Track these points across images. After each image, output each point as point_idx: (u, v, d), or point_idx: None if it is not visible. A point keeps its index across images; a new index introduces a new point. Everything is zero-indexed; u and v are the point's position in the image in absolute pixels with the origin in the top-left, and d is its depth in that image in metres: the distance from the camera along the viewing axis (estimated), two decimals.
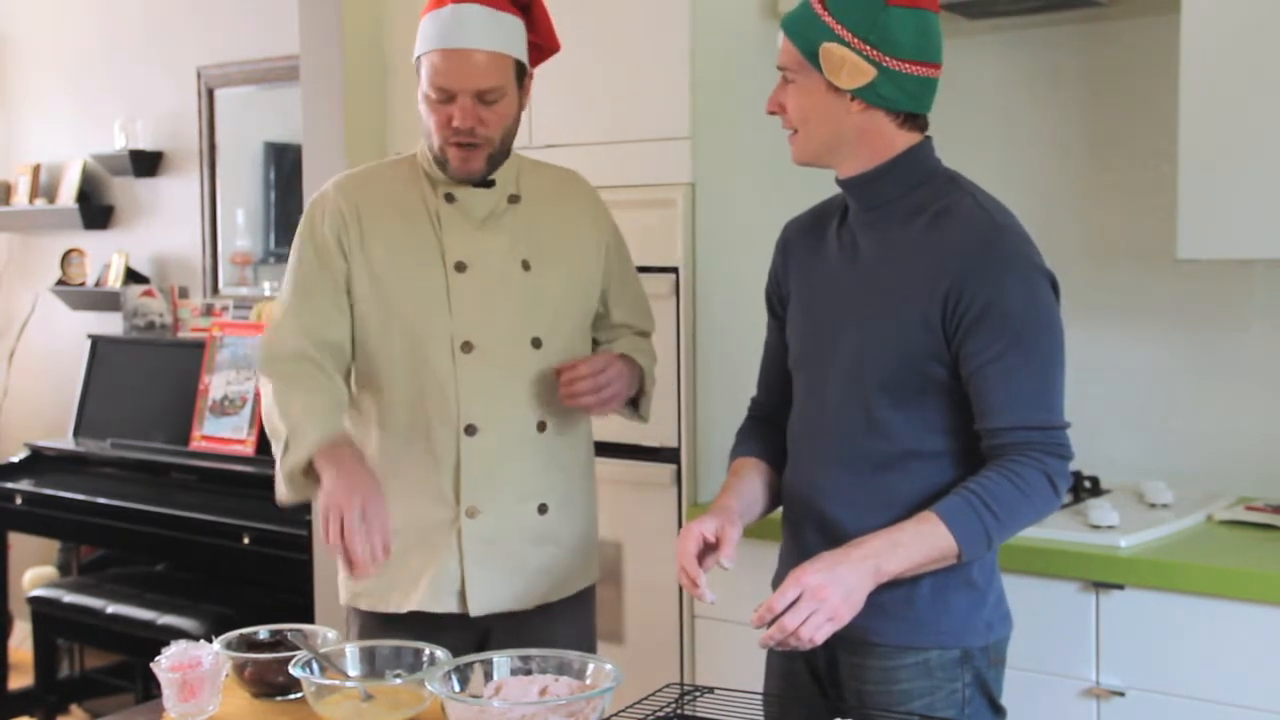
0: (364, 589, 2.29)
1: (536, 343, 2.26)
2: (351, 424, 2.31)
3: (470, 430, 2.22)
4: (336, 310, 2.25)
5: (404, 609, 2.25)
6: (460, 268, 2.23)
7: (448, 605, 2.24)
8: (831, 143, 1.96)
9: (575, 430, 2.35)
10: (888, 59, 1.89)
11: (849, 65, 1.88)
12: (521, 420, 2.26)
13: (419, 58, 2.21)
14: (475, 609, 2.24)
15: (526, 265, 2.27)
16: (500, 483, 2.24)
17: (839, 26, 1.89)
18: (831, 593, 1.77)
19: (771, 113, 2.01)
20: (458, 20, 2.15)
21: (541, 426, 2.27)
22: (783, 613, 1.77)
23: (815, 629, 1.76)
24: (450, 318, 2.22)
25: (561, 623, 2.32)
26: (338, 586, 2.36)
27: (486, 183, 2.27)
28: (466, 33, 2.15)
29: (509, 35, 2.20)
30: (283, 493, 2.21)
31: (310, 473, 2.13)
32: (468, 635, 2.26)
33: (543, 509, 2.28)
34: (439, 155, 2.22)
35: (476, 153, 2.20)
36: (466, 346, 2.22)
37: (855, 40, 1.88)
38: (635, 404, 2.40)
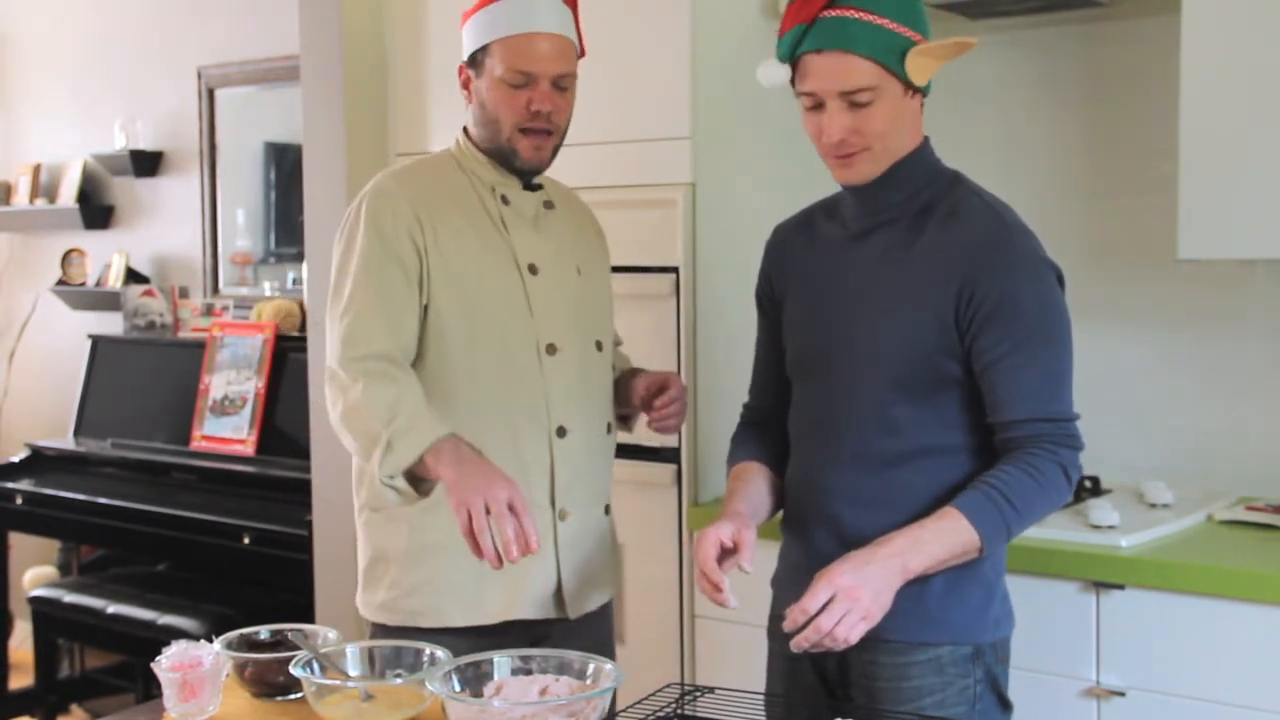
0: (424, 606, 2.18)
1: (599, 345, 2.29)
2: None
3: (561, 432, 2.21)
4: (411, 310, 2.15)
5: (494, 620, 2.17)
6: (533, 270, 2.22)
7: (548, 610, 2.21)
8: (901, 148, 1.97)
9: (616, 433, 2.38)
10: (928, 41, 1.95)
11: (927, 63, 1.92)
12: (598, 421, 2.28)
13: (485, 46, 2.18)
14: (574, 611, 2.23)
15: (579, 270, 2.29)
16: (584, 484, 2.25)
17: (907, 29, 1.91)
18: (864, 593, 1.78)
19: (842, 142, 1.94)
20: (531, 6, 2.16)
21: (610, 428, 2.31)
22: (816, 615, 1.78)
23: (850, 629, 1.78)
24: (532, 320, 2.20)
25: (597, 624, 2.32)
26: (376, 608, 2.25)
27: (533, 186, 2.28)
28: (545, 17, 2.17)
29: (571, 26, 2.23)
30: (381, 498, 2.09)
31: (412, 476, 2.02)
32: (521, 640, 2.17)
33: (607, 510, 2.32)
34: (505, 146, 2.21)
35: (548, 141, 2.21)
36: (550, 349, 2.21)
37: (921, 38, 1.93)
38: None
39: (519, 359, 2.19)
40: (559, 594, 2.22)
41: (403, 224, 2.16)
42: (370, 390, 2.05)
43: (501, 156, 2.23)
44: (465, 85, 2.25)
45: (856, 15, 1.90)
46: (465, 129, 2.30)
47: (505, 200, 2.24)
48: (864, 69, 1.90)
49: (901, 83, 1.92)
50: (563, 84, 2.19)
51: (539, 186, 2.28)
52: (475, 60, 2.21)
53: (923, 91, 1.97)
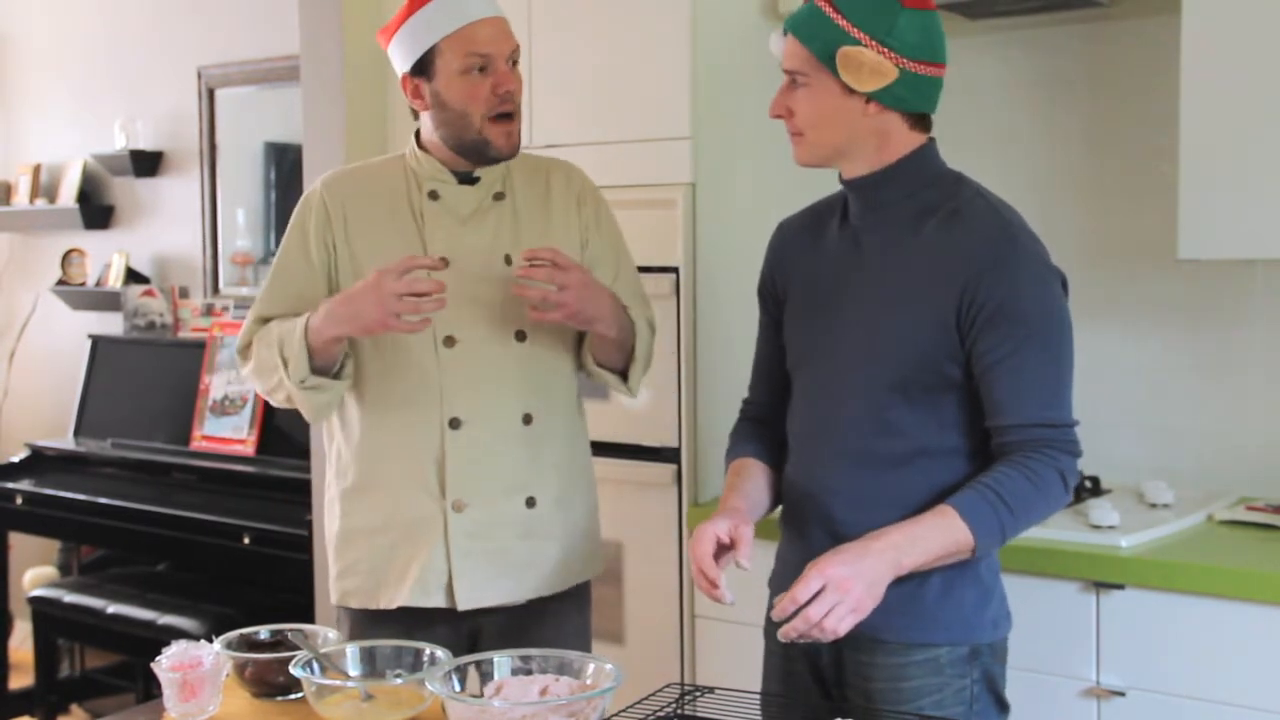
0: (354, 587, 2.31)
1: (521, 336, 2.28)
2: (335, 417, 2.35)
3: (454, 423, 2.24)
4: (313, 299, 2.26)
5: (393, 605, 2.26)
6: (444, 262, 2.24)
7: (435, 600, 2.25)
8: (842, 145, 1.96)
9: (566, 424, 2.36)
10: (905, 61, 1.90)
11: (868, 68, 1.89)
12: (506, 412, 2.27)
13: (435, 46, 2.22)
14: (463, 603, 2.25)
15: (509, 260, 2.28)
16: (486, 476, 2.26)
17: (855, 29, 1.89)
18: (855, 585, 1.78)
19: (776, 116, 2.00)
20: None
21: (528, 419, 2.29)
22: (805, 604, 1.77)
23: (839, 621, 1.77)
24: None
25: (554, 621, 2.32)
26: (330, 589, 2.38)
27: (471, 179, 2.30)
28: (479, 6, 2.24)
29: (499, 6, 2.30)
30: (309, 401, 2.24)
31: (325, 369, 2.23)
32: (458, 631, 2.28)
33: (530, 502, 2.29)
34: (477, 138, 2.24)
35: (515, 125, 2.26)
36: (449, 341, 2.25)
37: (873, 43, 1.89)
38: (625, 374, 2.38)
39: (414, 350, 2.25)
40: (450, 585, 2.25)
41: (316, 223, 2.30)
42: (260, 338, 2.27)
43: (474, 150, 2.26)
44: (415, 94, 2.28)
45: (822, 5, 1.92)
46: (417, 134, 2.34)
47: (435, 195, 2.28)
48: (795, 53, 1.94)
49: (837, 80, 1.91)
50: (513, 58, 2.26)
51: (477, 179, 2.30)
52: (423, 66, 2.24)
53: (880, 100, 1.91)
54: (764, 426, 2.16)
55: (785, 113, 1.98)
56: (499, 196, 2.32)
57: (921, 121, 1.98)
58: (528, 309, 2.21)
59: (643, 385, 2.41)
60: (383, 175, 2.35)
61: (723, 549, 1.94)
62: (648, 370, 2.41)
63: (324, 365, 2.21)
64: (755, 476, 2.10)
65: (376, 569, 2.28)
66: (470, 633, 2.30)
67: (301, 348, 2.17)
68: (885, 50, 1.89)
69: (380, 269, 2.12)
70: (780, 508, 2.13)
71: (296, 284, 2.30)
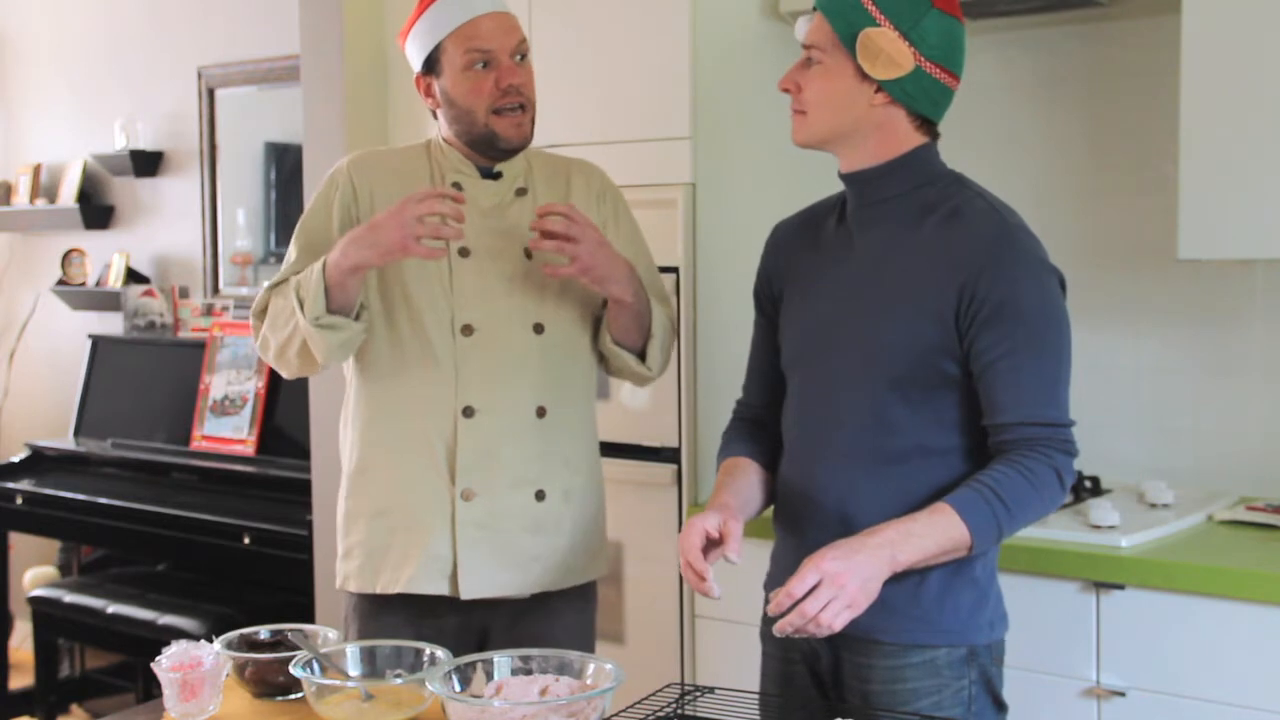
0: (353, 570, 2.31)
1: (539, 328, 2.29)
2: (349, 401, 2.35)
3: (468, 412, 2.24)
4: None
5: (393, 590, 2.26)
6: (464, 253, 2.26)
7: (438, 588, 2.25)
8: (842, 130, 1.96)
9: (579, 420, 2.37)
10: (922, 57, 1.91)
11: (885, 55, 1.89)
12: (521, 404, 2.28)
13: (440, 44, 2.24)
14: (466, 592, 2.24)
15: (529, 253, 2.29)
16: (497, 466, 2.26)
17: (881, 16, 1.89)
18: (850, 580, 1.77)
19: (784, 90, 2.00)
20: None
21: (541, 412, 2.29)
22: (801, 599, 1.77)
23: (834, 615, 1.76)
24: (451, 300, 2.25)
25: (560, 617, 2.33)
26: (334, 575, 2.38)
27: (494, 174, 2.31)
28: (482, 0, 2.24)
29: (506, 1, 2.31)
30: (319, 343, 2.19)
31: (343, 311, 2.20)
32: (464, 623, 2.28)
33: (540, 496, 2.29)
34: (484, 131, 2.26)
35: (525, 115, 2.28)
36: (467, 329, 2.25)
37: (896, 32, 1.89)
38: (643, 354, 2.38)
39: (433, 337, 2.25)
40: (454, 574, 2.25)
41: (341, 200, 2.30)
42: (274, 303, 2.25)
43: (484, 144, 2.28)
44: (427, 93, 2.31)
45: None
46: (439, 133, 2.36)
47: (458, 187, 2.29)
48: (819, 28, 1.94)
49: (853, 63, 1.92)
50: (521, 49, 2.27)
51: (500, 175, 2.32)
52: (431, 64, 2.27)
53: (889, 90, 1.92)
54: (758, 427, 2.16)
55: (793, 88, 1.98)
56: (521, 192, 2.33)
57: (926, 126, 1.98)
58: (541, 266, 2.23)
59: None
60: (407, 162, 2.35)
61: (712, 544, 1.94)
62: (668, 357, 2.42)
63: (341, 306, 2.18)
64: (747, 475, 2.10)
65: (375, 553, 2.28)
66: (480, 627, 2.30)
67: (319, 284, 2.15)
68: (904, 42, 1.89)
69: (404, 202, 2.11)
70: (773, 507, 2.13)
71: (320, 253, 2.26)
